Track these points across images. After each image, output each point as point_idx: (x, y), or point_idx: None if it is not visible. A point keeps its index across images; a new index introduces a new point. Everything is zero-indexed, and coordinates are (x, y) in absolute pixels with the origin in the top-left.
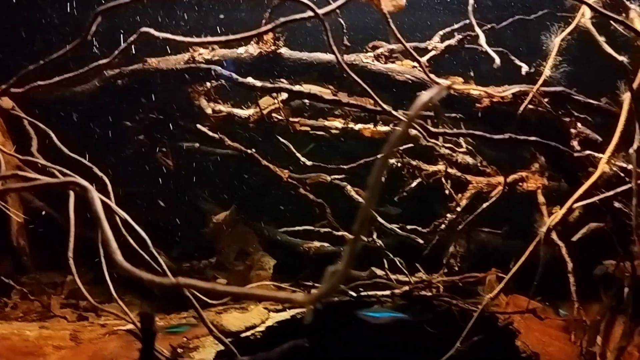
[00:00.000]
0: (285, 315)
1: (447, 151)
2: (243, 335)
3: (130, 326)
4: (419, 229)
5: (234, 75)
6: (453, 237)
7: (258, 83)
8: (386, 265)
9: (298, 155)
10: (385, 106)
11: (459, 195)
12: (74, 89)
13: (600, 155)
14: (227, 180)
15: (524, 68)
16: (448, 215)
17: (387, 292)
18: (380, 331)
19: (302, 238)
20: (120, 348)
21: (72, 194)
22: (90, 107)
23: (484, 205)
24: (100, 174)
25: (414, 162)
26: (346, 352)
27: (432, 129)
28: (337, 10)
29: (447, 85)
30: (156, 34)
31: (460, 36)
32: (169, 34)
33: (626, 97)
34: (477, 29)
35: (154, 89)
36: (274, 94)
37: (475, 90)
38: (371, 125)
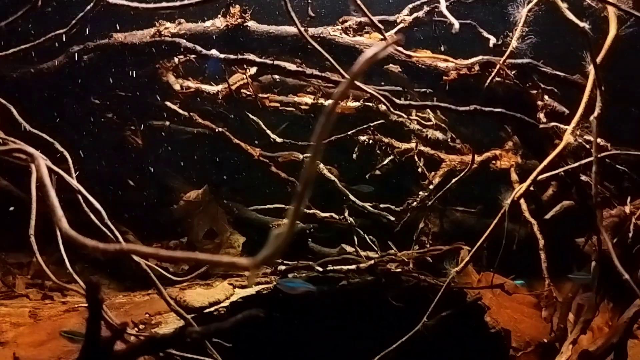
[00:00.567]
0: (251, 291)
1: (417, 127)
2: (207, 311)
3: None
4: (392, 207)
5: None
6: (424, 215)
7: (221, 55)
8: (356, 243)
9: (268, 132)
10: (348, 76)
11: (432, 173)
12: (40, 66)
13: (566, 127)
14: (197, 159)
15: (492, 40)
16: (420, 193)
17: (353, 267)
18: (349, 307)
19: (274, 216)
20: (79, 324)
21: (34, 170)
22: (56, 84)
23: (453, 181)
24: (61, 148)
25: (385, 140)
26: (311, 327)
27: (398, 101)
28: None
29: (392, 41)
30: (112, 1)
31: (428, 8)
32: (126, 1)
33: (591, 69)
34: None
35: (122, 66)
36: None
37: (441, 62)
38: (341, 101)
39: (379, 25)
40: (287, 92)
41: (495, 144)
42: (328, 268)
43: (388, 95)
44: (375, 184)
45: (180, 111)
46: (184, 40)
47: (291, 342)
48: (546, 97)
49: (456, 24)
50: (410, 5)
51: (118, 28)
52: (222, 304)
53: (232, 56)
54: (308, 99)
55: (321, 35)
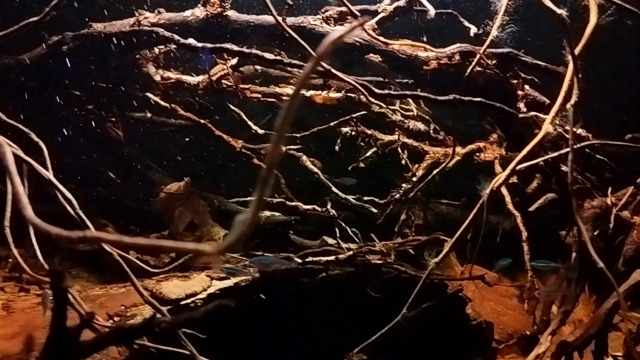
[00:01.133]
0: (229, 283)
1: (399, 118)
2: (183, 302)
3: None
4: (376, 200)
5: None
6: (407, 206)
7: (199, 44)
8: (338, 235)
9: (250, 123)
10: (326, 66)
11: (416, 165)
12: (19, 57)
13: (545, 116)
14: (179, 151)
15: (473, 29)
16: (404, 185)
17: (332, 258)
18: (329, 298)
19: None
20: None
21: (9, 159)
22: (37, 76)
23: (435, 172)
24: (36, 139)
25: (368, 131)
26: (288, 318)
27: (376, 90)
28: None
29: (361, 21)
30: None
31: None
32: None
33: (571, 58)
34: None
35: (102, 56)
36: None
37: (421, 51)
38: (323, 92)
39: (358, 13)
40: (270, 83)
41: (479, 137)
42: (307, 259)
43: (367, 85)
44: (360, 176)
45: (162, 103)
46: (162, 29)
47: (271, 334)
48: (527, 86)
49: (432, 11)
50: None
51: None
52: (199, 296)
53: (209, 45)
54: (289, 90)
55: (301, 24)
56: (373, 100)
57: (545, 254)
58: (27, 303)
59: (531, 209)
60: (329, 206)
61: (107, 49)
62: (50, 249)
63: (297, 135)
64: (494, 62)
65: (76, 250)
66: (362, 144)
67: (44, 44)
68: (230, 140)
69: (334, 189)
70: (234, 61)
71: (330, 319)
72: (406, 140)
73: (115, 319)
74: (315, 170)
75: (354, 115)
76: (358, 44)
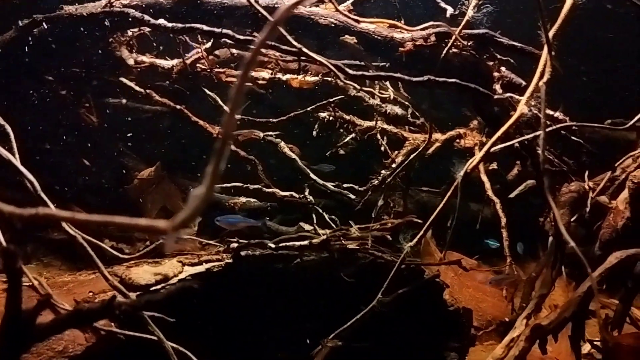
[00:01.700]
0: (200, 268)
1: (377, 102)
2: (153, 288)
3: (35, 282)
4: (356, 187)
5: None
6: (387, 194)
7: (169, 24)
8: (315, 221)
9: (226, 108)
10: (298, 45)
11: (395, 152)
12: None
13: (521, 97)
14: (154, 137)
15: (449, 10)
16: (382, 171)
17: (306, 243)
18: (304, 284)
19: (233, 195)
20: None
21: None
22: (6, 60)
23: (411, 157)
24: (2, 122)
25: (347, 117)
26: (263, 304)
27: (349, 71)
28: None
29: None
30: None
31: None
32: None
33: (544, 36)
34: None
35: (75, 40)
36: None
37: (397, 32)
38: (299, 76)
39: None
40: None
41: (459, 123)
42: (281, 245)
43: (340, 65)
44: (342, 163)
45: (137, 88)
46: (133, 10)
47: (246, 320)
48: (503, 68)
49: None
50: None
51: None
52: (169, 282)
53: (179, 25)
54: (265, 74)
55: (276, 5)
56: (347, 81)
57: (526, 241)
58: None
59: (511, 195)
60: (306, 193)
61: (79, 32)
62: (26, 238)
63: (274, 120)
64: (470, 43)
65: (51, 239)
66: (342, 130)
67: (14, 27)
68: (207, 126)
69: (311, 175)
70: (208, 44)
71: (306, 305)
72: (385, 126)
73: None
74: (294, 156)
75: (331, 100)
76: (333, 25)
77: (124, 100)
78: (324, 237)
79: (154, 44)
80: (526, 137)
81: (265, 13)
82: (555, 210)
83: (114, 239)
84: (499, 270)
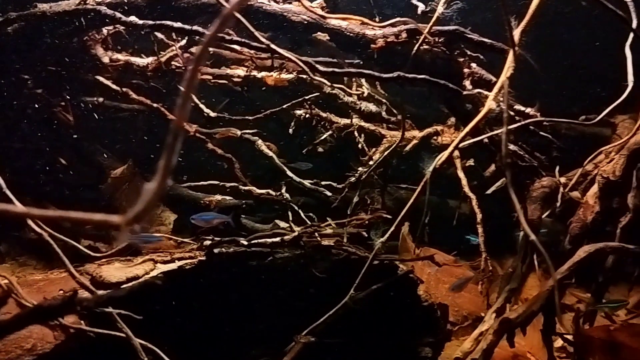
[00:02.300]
0: (172, 266)
1: (351, 99)
2: (124, 286)
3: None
4: (334, 184)
5: None
6: (360, 190)
7: (139, 21)
8: (291, 219)
9: (202, 106)
10: (266, 41)
11: (373, 149)
12: None
13: (489, 93)
14: (130, 135)
15: (420, 7)
16: (360, 168)
17: (278, 239)
18: (278, 281)
19: (209, 193)
20: None
21: None
22: None
23: (385, 153)
24: None
25: (323, 114)
26: (237, 301)
27: (320, 67)
28: None
29: None
30: None
31: None
32: None
33: (515, 33)
34: None
35: (50, 38)
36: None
37: (369, 29)
38: (274, 73)
39: None
40: (223, 65)
41: (438, 120)
42: (253, 242)
43: (310, 62)
44: (321, 161)
45: (114, 86)
46: (105, 8)
47: (219, 317)
48: (474, 64)
49: None
50: None
51: None
52: (140, 279)
53: (149, 22)
54: (241, 71)
55: (249, 2)
56: (316, 78)
57: (505, 238)
58: None
59: (488, 192)
60: (283, 190)
61: (54, 31)
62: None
63: (250, 118)
64: (440, 40)
65: (27, 238)
66: (321, 128)
67: None
68: (184, 125)
69: (288, 172)
70: (183, 42)
71: (280, 302)
72: (363, 124)
73: None
74: (271, 154)
75: (306, 97)
76: (306, 22)
77: (100, 99)
78: (296, 233)
79: (133, 42)
80: (494, 132)
81: (224, 3)
82: (517, 204)
83: (91, 238)
84: (476, 265)
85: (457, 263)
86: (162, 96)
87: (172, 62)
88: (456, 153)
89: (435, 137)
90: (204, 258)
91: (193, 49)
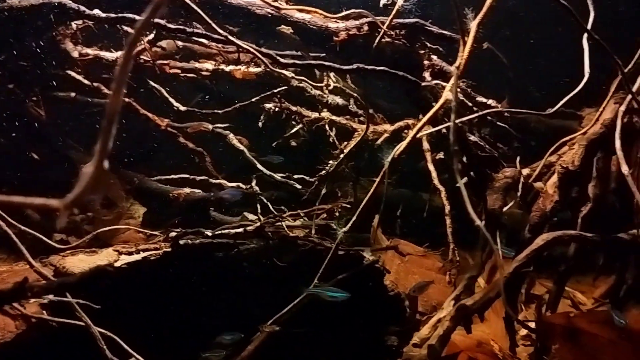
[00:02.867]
0: (137, 257)
1: (318, 92)
2: (75, 273)
3: None
4: (306, 177)
5: None
6: (328, 182)
7: (102, 14)
8: (259, 211)
9: (172, 100)
10: (224, 33)
11: (344, 143)
12: None
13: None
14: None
15: (382, 0)
16: (330, 162)
17: (240, 230)
18: (241, 272)
19: (181, 186)
20: None
21: None
22: None
23: (351, 146)
24: None
25: (294, 108)
26: (202, 291)
27: (281, 59)
28: None
29: None
30: None
31: None
32: None
33: (473, 25)
34: None
35: (20, 33)
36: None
37: (332, 22)
38: (242, 67)
39: None
40: (194, 60)
41: (409, 114)
42: (217, 232)
43: (270, 53)
44: (295, 155)
45: (85, 81)
46: (70, 1)
47: (184, 308)
48: (434, 57)
49: None
50: None
51: None
52: (92, 266)
53: (112, 15)
54: (209, 65)
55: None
56: (279, 70)
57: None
58: None
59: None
60: (253, 184)
61: (24, 25)
62: None
63: (220, 111)
64: (401, 32)
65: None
66: (293, 122)
67: None
68: (155, 119)
69: (259, 166)
70: (151, 36)
71: (246, 292)
72: (334, 117)
73: None
74: (242, 148)
75: (275, 91)
76: (270, 15)
77: (72, 94)
78: (258, 223)
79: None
80: (447, 124)
81: (196, 8)
82: (463, 191)
83: (64, 232)
84: (445, 257)
85: (426, 253)
86: (134, 91)
87: (141, 56)
88: (427, 146)
89: (406, 131)
90: (169, 249)
91: (163, 43)
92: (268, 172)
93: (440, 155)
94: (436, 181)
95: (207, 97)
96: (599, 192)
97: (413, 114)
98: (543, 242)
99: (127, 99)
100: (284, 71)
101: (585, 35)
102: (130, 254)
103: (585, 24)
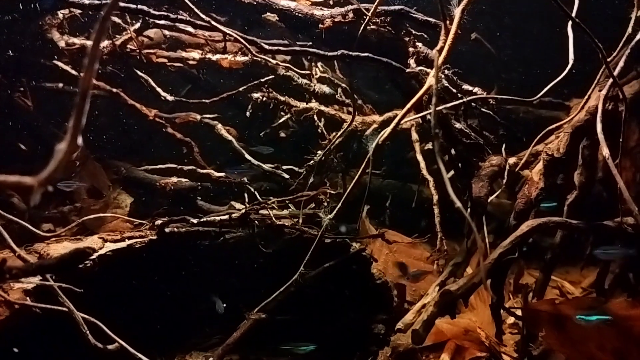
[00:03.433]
0: (122, 244)
1: (305, 81)
2: (54, 256)
3: None
4: (295, 168)
5: None
6: (328, 174)
7: (86, 1)
8: (247, 200)
9: (159, 90)
10: (206, 18)
11: (333, 133)
12: None
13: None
14: (90, 120)
15: None
16: (318, 152)
17: (225, 217)
18: (228, 260)
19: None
20: None
21: None
22: None
23: (339, 135)
24: None
25: (281, 98)
26: (189, 279)
27: (264, 45)
28: None
29: None
30: None
31: None
32: None
33: (457, 12)
34: None
35: (6, 23)
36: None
37: (317, 10)
38: (229, 56)
39: None
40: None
41: (398, 106)
42: (202, 220)
43: (254, 40)
44: (286, 146)
45: (73, 71)
46: None
47: (172, 296)
48: (419, 44)
49: None
50: None
51: None
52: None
53: (95, 1)
54: (196, 54)
55: None
56: (263, 56)
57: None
58: None
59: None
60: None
61: (9, 15)
62: None
63: (207, 101)
64: (387, 19)
65: None
66: (281, 113)
67: None
68: (142, 109)
69: (247, 156)
70: (137, 25)
71: (233, 280)
72: (323, 108)
73: None
74: (230, 138)
75: (263, 80)
76: (255, 2)
77: (60, 84)
78: (243, 210)
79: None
80: (428, 111)
81: None
82: (444, 173)
83: (52, 222)
84: (433, 245)
85: (412, 241)
86: (122, 81)
87: (128, 46)
88: (415, 137)
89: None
90: (155, 237)
91: (151, 33)
92: (256, 162)
93: (429, 145)
94: (425, 171)
95: (190, 86)
96: (584, 180)
97: (402, 105)
98: (528, 228)
99: (115, 90)
100: (270, 59)
101: (570, 22)
102: (115, 241)
103: (570, 11)
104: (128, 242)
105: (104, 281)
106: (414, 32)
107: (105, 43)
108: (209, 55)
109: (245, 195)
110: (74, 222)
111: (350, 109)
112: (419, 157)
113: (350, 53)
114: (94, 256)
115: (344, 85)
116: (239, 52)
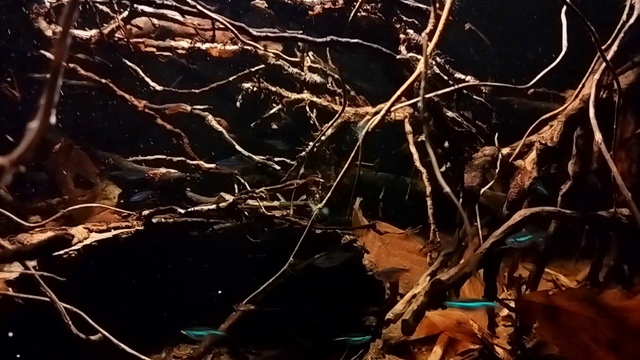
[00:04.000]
0: (107, 234)
1: (296, 70)
2: (56, 254)
3: None
4: (287, 160)
5: None
6: (304, 164)
7: None
8: (237, 191)
9: (148, 80)
10: (192, 2)
11: (325, 125)
12: None
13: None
14: (78, 110)
15: None
16: (310, 143)
17: (213, 206)
18: (217, 251)
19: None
20: None
21: None
22: None
23: (329, 127)
24: None
25: (273, 88)
26: (178, 270)
27: (253, 32)
28: None
29: None
30: None
31: None
32: None
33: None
34: None
35: None
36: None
37: None
38: (218, 45)
39: None
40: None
41: (390, 97)
42: (189, 210)
43: (242, 26)
44: (280, 138)
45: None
46: None
47: (160, 287)
48: (411, 31)
49: None
50: None
51: None
52: (73, 247)
53: None
54: (185, 43)
55: None
56: (252, 43)
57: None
58: None
59: (442, 169)
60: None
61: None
62: None
63: (197, 91)
64: (377, 6)
65: None
66: (274, 104)
67: None
68: (132, 100)
69: (237, 147)
70: (125, 13)
71: (223, 271)
72: (315, 99)
73: None
74: (221, 129)
75: (253, 69)
76: None
77: (47, 75)
78: (230, 200)
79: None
80: (418, 97)
81: None
82: (433, 157)
83: (39, 213)
84: (425, 236)
85: (404, 232)
86: (110, 72)
87: (116, 35)
88: (409, 129)
89: (388, 114)
90: (141, 228)
91: (140, 23)
92: (247, 154)
93: (423, 137)
94: (418, 163)
95: (182, 78)
96: (578, 170)
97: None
98: (520, 217)
99: (104, 80)
100: (260, 47)
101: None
102: (101, 232)
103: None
104: (114, 232)
105: (89, 272)
106: (405, 18)
107: (93, 32)
108: (199, 45)
109: (235, 186)
110: (60, 213)
111: (342, 100)
112: (412, 149)
113: (340, 39)
114: (79, 246)
115: (336, 75)
116: (229, 42)
